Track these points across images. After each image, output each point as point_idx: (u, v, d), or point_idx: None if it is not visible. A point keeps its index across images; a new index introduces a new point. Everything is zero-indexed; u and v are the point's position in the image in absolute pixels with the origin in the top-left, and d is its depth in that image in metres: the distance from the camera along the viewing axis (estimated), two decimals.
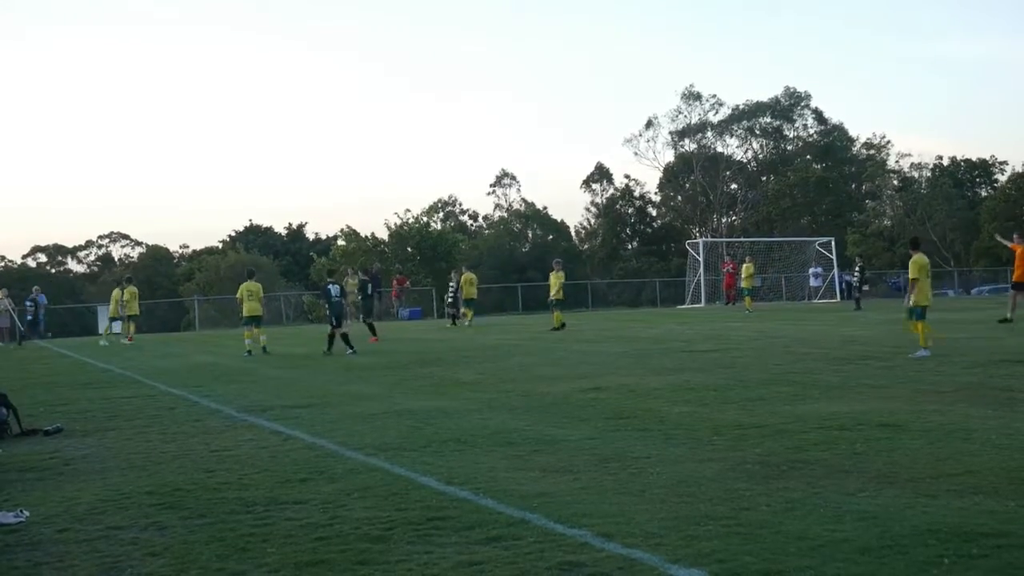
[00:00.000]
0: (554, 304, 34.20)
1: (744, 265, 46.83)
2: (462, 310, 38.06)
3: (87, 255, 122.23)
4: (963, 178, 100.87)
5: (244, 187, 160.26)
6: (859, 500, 7.30)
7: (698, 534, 6.61)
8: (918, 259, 19.55)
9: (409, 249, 64.70)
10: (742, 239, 79.31)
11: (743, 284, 46.20)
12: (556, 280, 34.18)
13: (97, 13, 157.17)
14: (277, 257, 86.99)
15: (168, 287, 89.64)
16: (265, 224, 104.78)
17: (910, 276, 19.62)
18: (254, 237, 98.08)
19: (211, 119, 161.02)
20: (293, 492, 8.48)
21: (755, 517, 6.93)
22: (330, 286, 25.95)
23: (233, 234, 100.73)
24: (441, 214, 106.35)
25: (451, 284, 40.03)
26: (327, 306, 25.85)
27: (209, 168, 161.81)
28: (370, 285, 31.89)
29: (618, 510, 7.30)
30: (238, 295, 28.51)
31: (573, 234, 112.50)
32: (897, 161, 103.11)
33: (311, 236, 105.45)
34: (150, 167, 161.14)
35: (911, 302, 19.31)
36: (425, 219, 70.19)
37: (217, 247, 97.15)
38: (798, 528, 6.62)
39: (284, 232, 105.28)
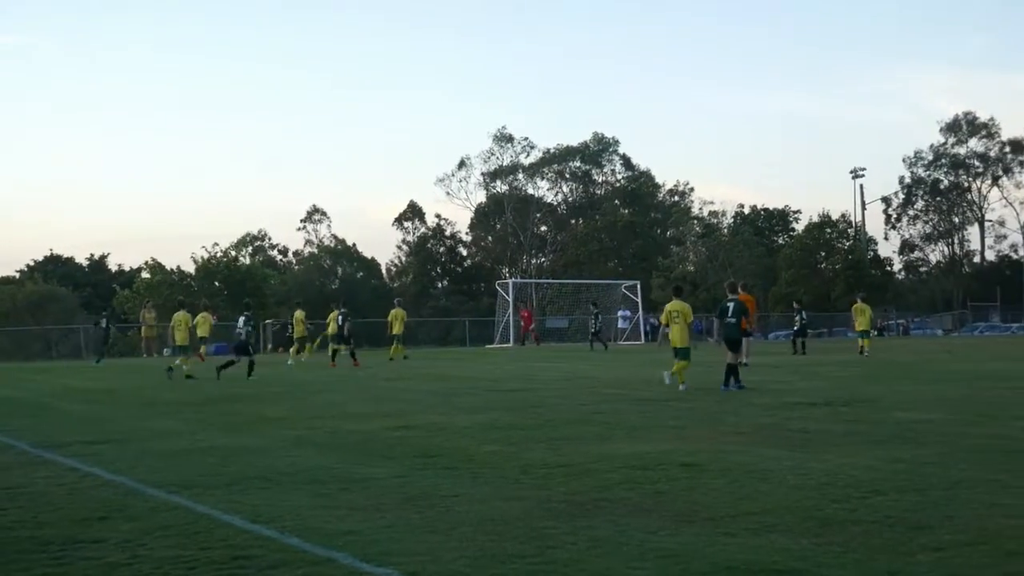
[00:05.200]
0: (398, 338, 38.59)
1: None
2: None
3: None
4: (762, 226, 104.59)
5: (44, 215, 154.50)
6: (661, 538, 7.45)
7: (505, 572, 6.64)
8: (668, 305, 21.24)
9: (217, 283, 63.58)
10: (551, 280, 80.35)
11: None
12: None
13: None
14: (77, 288, 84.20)
15: None
16: (66, 254, 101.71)
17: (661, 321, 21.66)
18: (54, 267, 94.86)
19: (4, 144, 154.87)
20: (91, 531, 8.20)
21: (560, 555, 7.00)
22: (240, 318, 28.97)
23: (32, 263, 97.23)
24: (250, 248, 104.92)
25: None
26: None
27: (5, 195, 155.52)
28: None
29: (425, 548, 7.28)
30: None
31: (384, 272, 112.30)
32: (700, 208, 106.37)
33: (114, 268, 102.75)
34: None
35: (660, 343, 21.54)
36: (233, 253, 69.21)
37: (14, 277, 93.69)
38: (602, 566, 6.71)
39: (85, 263, 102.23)
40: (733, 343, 20.94)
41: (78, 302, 76.15)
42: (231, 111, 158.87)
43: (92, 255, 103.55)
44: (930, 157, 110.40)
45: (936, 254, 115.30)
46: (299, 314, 40.36)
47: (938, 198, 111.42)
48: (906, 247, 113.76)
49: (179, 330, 29.81)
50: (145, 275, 66.23)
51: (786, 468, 10.43)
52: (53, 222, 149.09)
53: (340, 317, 35.36)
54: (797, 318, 41.69)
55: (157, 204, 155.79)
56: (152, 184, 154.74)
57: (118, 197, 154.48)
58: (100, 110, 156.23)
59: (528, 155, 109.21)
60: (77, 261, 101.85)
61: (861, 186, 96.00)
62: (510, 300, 59.04)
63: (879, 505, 8.45)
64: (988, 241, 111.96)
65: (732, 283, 23.10)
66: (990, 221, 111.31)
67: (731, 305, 21.16)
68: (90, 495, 9.87)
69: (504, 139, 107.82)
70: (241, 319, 28.66)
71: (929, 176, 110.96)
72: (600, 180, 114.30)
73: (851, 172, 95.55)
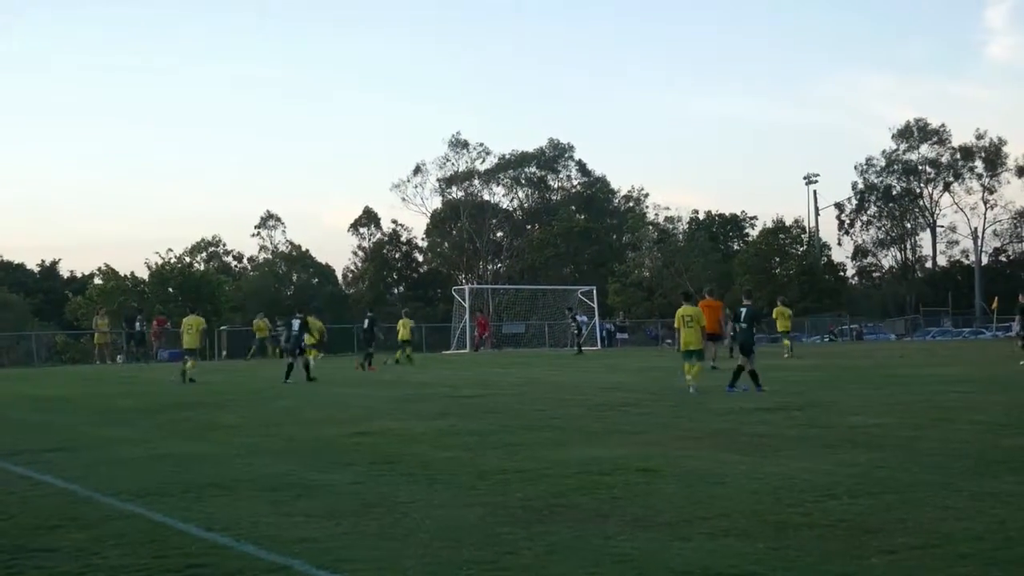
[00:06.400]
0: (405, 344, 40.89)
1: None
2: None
3: None
4: (717, 232, 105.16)
5: None
6: (618, 543, 7.46)
7: None
8: (680, 310, 21.62)
9: (171, 290, 63.11)
10: (507, 286, 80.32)
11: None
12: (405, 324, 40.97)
13: None
14: (29, 295, 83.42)
15: None
16: (16, 260, 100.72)
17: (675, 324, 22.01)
18: (4, 274, 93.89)
19: None
20: (43, 540, 8.10)
21: (517, 561, 7.00)
22: (293, 320, 29.62)
23: None
24: (204, 254, 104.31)
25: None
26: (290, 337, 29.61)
27: None
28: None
29: (382, 555, 7.26)
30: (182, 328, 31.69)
31: (340, 278, 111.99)
32: (655, 213, 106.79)
33: (65, 274, 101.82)
34: None
35: (678, 347, 21.67)
36: (188, 259, 68.78)
37: None
38: (559, 572, 6.72)
39: (36, 269, 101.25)
40: (744, 347, 21.51)
41: (29, 308, 75.43)
42: (184, 116, 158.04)
43: (43, 261, 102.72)
44: (882, 163, 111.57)
45: (889, 259, 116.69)
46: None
47: (890, 204, 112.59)
48: (859, 252, 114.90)
49: (189, 333, 30.64)
50: (98, 281, 65.62)
51: (741, 472, 10.48)
52: (2, 227, 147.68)
53: (368, 321, 38.05)
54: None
55: (110, 209, 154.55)
56: (104, 189, 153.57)
57: (70, 202, 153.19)
58: (50, 114, 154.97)
59: (483, 161, 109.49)
60: (28, 267, 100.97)
61: (815, 192, 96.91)
62: (466, 306, 58.97)
63: (833, 509, 8.50)
64: (940, 247, 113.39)
65: (748, 290, 24.07)
66: (942, 227, 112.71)
67: (743, 311, 21.76)
68: (42, 503, 9.77)
69: (459, 145, 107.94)
70: (296, 322, 29.45)
71: (881, 182, 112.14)
72: (556, 186, 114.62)
73: (805, 178, 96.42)
